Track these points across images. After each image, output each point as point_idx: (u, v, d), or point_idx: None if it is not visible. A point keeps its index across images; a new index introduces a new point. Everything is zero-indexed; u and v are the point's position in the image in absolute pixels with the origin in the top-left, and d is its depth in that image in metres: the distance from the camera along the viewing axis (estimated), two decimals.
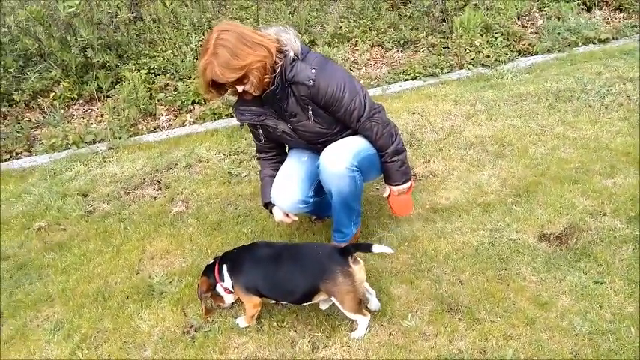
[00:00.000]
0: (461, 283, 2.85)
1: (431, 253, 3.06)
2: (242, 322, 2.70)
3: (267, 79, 2.59)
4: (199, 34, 5.75)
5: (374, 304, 2.70)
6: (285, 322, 2.69)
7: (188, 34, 5.73)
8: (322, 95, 2.64)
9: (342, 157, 2.73)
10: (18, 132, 4.83)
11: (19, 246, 3.45)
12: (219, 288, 2.69)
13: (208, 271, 2.71)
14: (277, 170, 3.01)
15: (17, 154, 4.62)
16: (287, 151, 3.12)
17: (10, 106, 5.20)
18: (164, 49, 5.64)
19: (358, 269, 2.48)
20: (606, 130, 4.06)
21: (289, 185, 2.91)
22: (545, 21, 6.16)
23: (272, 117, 2.81)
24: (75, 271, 3.18)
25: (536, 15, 6.35)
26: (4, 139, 4.77)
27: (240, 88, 2.63)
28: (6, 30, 5.47)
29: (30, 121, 5.11)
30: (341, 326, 2.64)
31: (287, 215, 2.95)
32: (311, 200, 2.97)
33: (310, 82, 2.60)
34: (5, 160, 4.54)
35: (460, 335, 2.55)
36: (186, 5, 6.01)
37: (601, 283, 2.75)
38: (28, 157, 4.56)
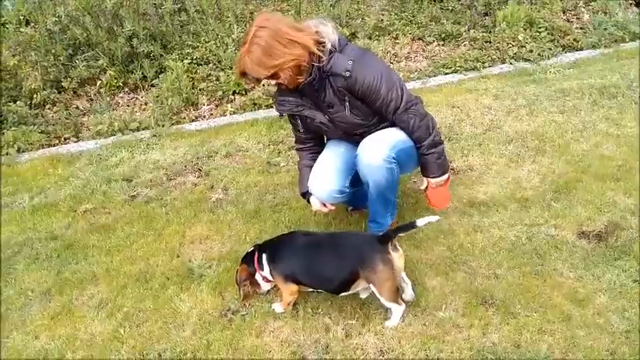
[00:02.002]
0: (496, 277, 2.84)
1: (467, 247, 3.06)
2: (278, 307, 2.76)
3: (300, 80, 2.64)
4: (241, 25, 5.82)
5: (409, 294, 2.72)
6: (320, 309, 2.74)
7: (230, 25, 5.81)
8: (359, 86, 2.66)
9: (379, 150, 2.76)
10: (66, 118, 5.00)
11: (66, 227, 3.59)
12: (257, 276, 2.75)
13: (248, 259, 2.78)
14: (315, 161, 3.05)
15: (65, 139, 4.79)
16: (325, 141, 3.16)
17: (59, 93, 5.38)
18: (207, 39, 5.73)
19: (397, 257, 2.51)
20: None
21: (326, 175, 2.95)
22: (592, 16, 6.02)
23: (310, 108, 2.85)
24: (118, 253, 3.30)
25: (583, 9, 6.21)
26: (53, 124, 4.94)
27: (273, 82, 2.69)
28: (56, 19, 5.64)
29: (77, 108, 5.28)
30: (375, 315, 2.68)
31: (324, 205, 3.00)
32: (347, 190, 3.01)
33: (347, 74, 2.62)
34: (54, 145, 4.71)
35: (494, 328, 2.55)
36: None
37: None
38: (75, 142, 4.72)
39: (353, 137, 2.91)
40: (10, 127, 4.80)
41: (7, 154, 4.50)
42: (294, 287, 2.65)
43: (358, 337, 2.59)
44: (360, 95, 2.71)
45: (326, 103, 2.78)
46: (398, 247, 2.54)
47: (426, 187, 2.96)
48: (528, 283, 2.78)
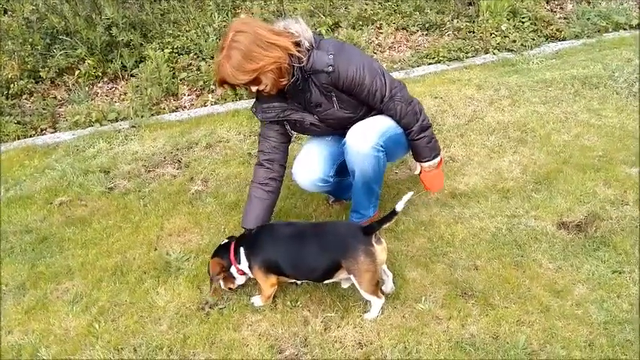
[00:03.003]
0: (476, 269, 2.83)
1: (447, 238, 3.04)
2: (257, 301, 2.72)
3: (283, 82, 2.58)
4: (222, 14, 5.75)
5: (389, 286, 2.70)
6: (299, 302, 2.71)
7: (212, 14, 5.73)
8: (343, 79, 2.63)
9: (368, 137, 2.73)
10: (43, 108, 4.91)
11: (42, 220, 3.52)
12: (232, 269, 2.71)
13: (221, 252, 2.73)
14: (269, 194, 2.86)
15: (42, 130, 4.70)
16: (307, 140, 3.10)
17: (36, 83, 5.28)
18: (188, 28, 5.66)
19: (380, 249, 2.49)
20: (633, 118, 3.97)
21: (311, 162, 2.92)
22: (575, 6, 6.02)
23: (297, 110, 2.79)
24: (94, 246, 3.24)
25: None
26: (30, 115, 4.85)
27: (254, 89, 2.62)
28: (34, 8, 5.54)
29: (55, 98, 5.19)
30: (354, 307, 2.65)
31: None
32: (331, 180, 2.97)
33: (330, 69, 2.59)
34: (30, 136, 4.63)
35: (473, 320, 2.54)
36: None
37: (620, 273, 2.71)
38: (52, 133, 4.63)
39: (343, 130, 2.86)
40: None
41: None
42: (273, 279, 2.61)
43: (337, 330, 2.56)
44: (345, 88, 2.67)
45: (313, 103, 2.73)
46: (382, 239, 2.52)
47: (420, 172, 2.95)
48: (508, 274, 2.77)
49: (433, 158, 2.88)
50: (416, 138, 2.80)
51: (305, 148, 2.99)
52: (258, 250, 2.64)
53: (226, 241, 2.76)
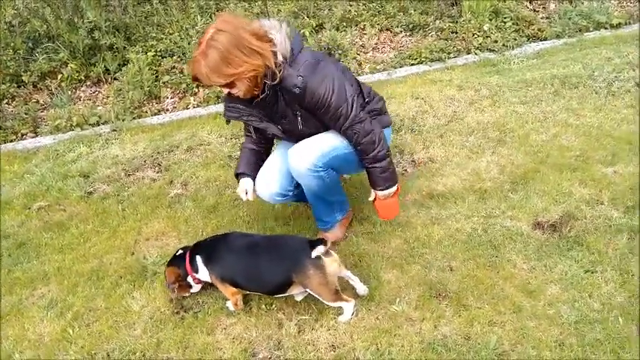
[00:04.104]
0: (451, 270, 2.84)
1: (423, 239, 3.05)
2: (231, 305, 2.73)
3: (256, 92, 2.55)
4: (205, 16, 5.75)
5: (361, 289, 2.71)
6: (273, 305, 2.72)
7: (195, 16, 5.73)
8: (308, 100, 2.58)
9: (305, 158, 2.71)
10: (25, 113, 4.89)
11: (19, 225, 3.51)
12: (189, 278, 2.73)
13: (177, 261, 2.75)
14: (260, 144, 2.96)
15: (22, 135, 4.68)
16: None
17: (18, 87, 5.27)
18: (171, 31, 5.65)
19: (330, 262, 2.50)
20: (611, 117, 3.98)
21: (270, 177, 2.91)
22: (558, 5, 6.04)
23: (261, 119, 2.76)
24: (71, 251, 3.24)
25: None
26: (11, 119, 4.83)
27: (226, 91, 2.58)
28: (15, 12, 5.53)
29: (37, 102, 5.18)
30: (328, 310, 2.66)
31: (246, 192, 2.93)
32: (290, 193, 2.96)
33: (297, 90, 2.53)
34: (11, 141, 4.61)
35: (446, 321, 2.55)
36: None
37: (592, 272, 2.73)
38: (33, 137, 4.62)
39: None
40: None
41: None
42: (232, 288, 2.63)
43: (311, 333, 2.57)
44: (310, 108, 2.63)
45: (279, 114, 2.71)
46: (331, 252, 2.54)
47: (374, 199, 2.91)
48: (482, 274, 2.78)
49: (386, 189, 2.81)
50: (369, 166, 2.76)
51: (267, 162, 2.97)
52: (215, 261, 2.67)
53: (181, 251, 2.78)
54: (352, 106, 2.64)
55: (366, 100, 2.83)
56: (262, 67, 2.46)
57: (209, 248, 2.71)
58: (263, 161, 2.98)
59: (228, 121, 2.89)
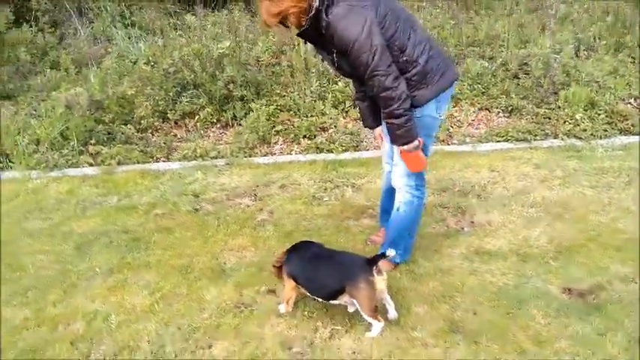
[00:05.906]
0: (474, 313, 3.20)
1: (457, 285, 3.43)
2: (282, 308, 3.29)
3: (304, 21, 2.85)
4: (322, 79, 6.60)
5: (392, 314, 3.15)
6: (314, 314, 3.24)
7: (312, 79, 6.60)
8: (332, 41, 2.86)
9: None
10: (164, 142, 5.93)
11: (138, 225, 4.37)
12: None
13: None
14: (365, 97, 3.36)
15: (157, 158, 5.70)
16: None
17: (163, 122, 6.38)
18: (292, 90, 6.55)
19: (379, 280, 2.99)
20: None
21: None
22: None
23: (318, 48, 3.13)
24: (171, 249, 4.00)
25: None
26: (153, 146, 5.88)
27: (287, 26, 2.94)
28: (172, 61, 6.75)
29: (175, 135, 6.22)
30: (360, 326, 3.11)
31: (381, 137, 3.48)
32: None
33: (322, 29, 2.83)
34: (147, 162, 5.62)
35: (455, 350, 2.92)
36: (315, 56, 6.87)
37: (603, 335, 2.95)
38: (165, 162, 5.62)
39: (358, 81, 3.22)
40: (117, 144, 5.80)
41: (109, 164, 5.46)
42: (292, 283, 3.18)
43: (339, 340, 3.05)
44: (337, 49, 2.90)
45: (325, 49, 3.02)
46: (382, 271, 3.02)
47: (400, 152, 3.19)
48: (500, 321, 3.11)
49: (402, 145, 3.05)
50: (385, 119, 3.03)
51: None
52: (290, 259, 3.25)
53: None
54: (374, 56, 2.80)
55: (405, 58, 2.96)
56: (303, 1, 2.80)
57: (294, 250, 3.30)
58: (375, 108, 3.29)
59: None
